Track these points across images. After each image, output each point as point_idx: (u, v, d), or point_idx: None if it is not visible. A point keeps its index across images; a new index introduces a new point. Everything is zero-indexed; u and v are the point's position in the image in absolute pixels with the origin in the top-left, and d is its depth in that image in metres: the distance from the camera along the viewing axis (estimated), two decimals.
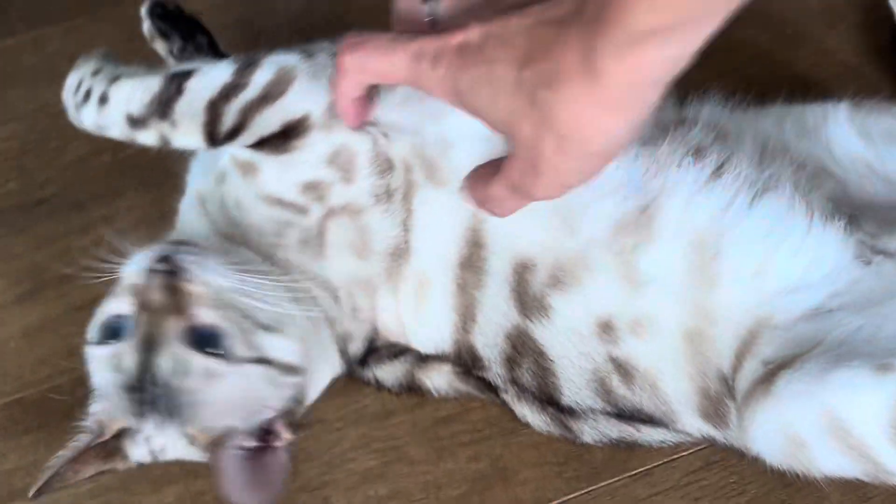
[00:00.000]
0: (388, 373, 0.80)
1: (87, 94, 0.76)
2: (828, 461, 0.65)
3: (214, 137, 0.73)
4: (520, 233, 0.71)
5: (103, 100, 0.75)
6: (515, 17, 0.54)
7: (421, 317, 0.77)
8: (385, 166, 0.74)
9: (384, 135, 0.74)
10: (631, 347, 0.71)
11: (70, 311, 0.90)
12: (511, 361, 0.75)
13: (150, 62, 1.05)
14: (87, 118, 0.76)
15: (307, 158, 0.73)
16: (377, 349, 0.80)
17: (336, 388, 0.84)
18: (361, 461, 0.82)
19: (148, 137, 0.74)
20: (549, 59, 0.51)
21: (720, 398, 0.70)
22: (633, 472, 0.78)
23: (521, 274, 0.73)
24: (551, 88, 0.51)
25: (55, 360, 0.88)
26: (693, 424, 0.73)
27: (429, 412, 0.83)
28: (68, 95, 0.79)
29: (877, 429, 0.62)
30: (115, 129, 0.75)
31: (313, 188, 0.74)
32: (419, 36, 0.59)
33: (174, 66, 0.81)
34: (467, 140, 0.71)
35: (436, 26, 0.62)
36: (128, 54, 1.06)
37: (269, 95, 0.72)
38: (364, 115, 0.70)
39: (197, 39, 0.94)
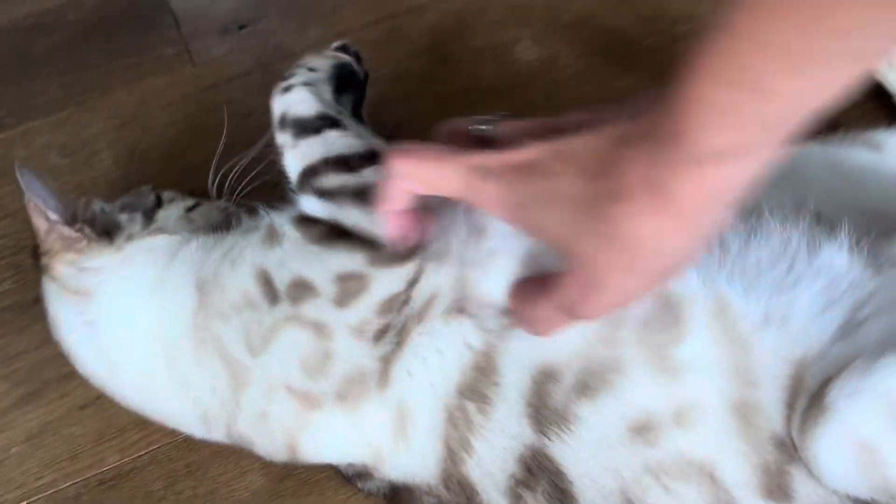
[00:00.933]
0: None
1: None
2: None
3: (302, 182, 0.74)
4: (549, 343, 0.66)
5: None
6: (582, 136, 0.53)
7: (399, 448, 0.70)
8: (393, 306, 0.70)
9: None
10: (678, 442, 0.64)
11: (73, 411, 0.89)
12: (522, 486, 0.67)
13: (146, 148, 1.07)
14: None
15: (326, 261, 0.71)
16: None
17: (341, 478, 0.82)
18: None
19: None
20: (616, 174, 0.50)
21: (781, 468, 0.63)
22: None
23: (543, 385, 0.66)
24: (617, 203, 0.50)
25: (59, 464, 0.87)
26: None
27: None
28: None
29: None
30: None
31: (301, 287, 0.71)
32: (474, 150, 0.58)
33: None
34: (505, 259, 0.68)
35: (485, 144, 0.59)
36: (119, 141, 1.08)
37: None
38: (411, 231, 0.66)
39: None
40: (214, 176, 0.91)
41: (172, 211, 0.85)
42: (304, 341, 0.70)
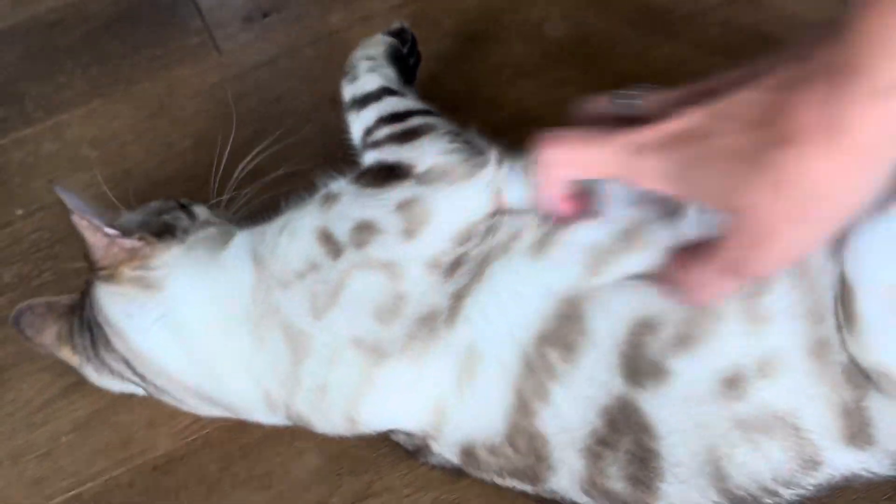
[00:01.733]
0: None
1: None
2: None
3: (364, 143, 0.79)
4: (651, 295, 0.64)
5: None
6: (740, 91, 0.52)
7: (464, 397, 0.69)
8: (471, 235, 0.70)
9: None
10: (763, 394, 0.63)
11: (120, 399, 0.88)
12: (602, 444, 0.65)
13: (175, 138, 1.06)
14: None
15: (383, 198, 0.72)
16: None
17: (398, 453, 0.82)
18: None
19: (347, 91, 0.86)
20: (785, 118, 0.49)
21: (859, 405, 0.62)
22: None
23: (640, 336, 0.65)
24: (789, 146, 0.49)
25: (110, 451, 0.86)
26: (840, 460, 0.63)
27: None
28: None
29: None
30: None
31: (364, 229, 0.70)
32: (621, 129, 0.57)
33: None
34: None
35: (631, 121, 0.58)
36: (149, 131, 1.07)
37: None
38: (582, 207, 0.66)
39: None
40: (216, 174, 0.91)
41: (201, 208, 0.85)
42: (375, 286, 0.69)
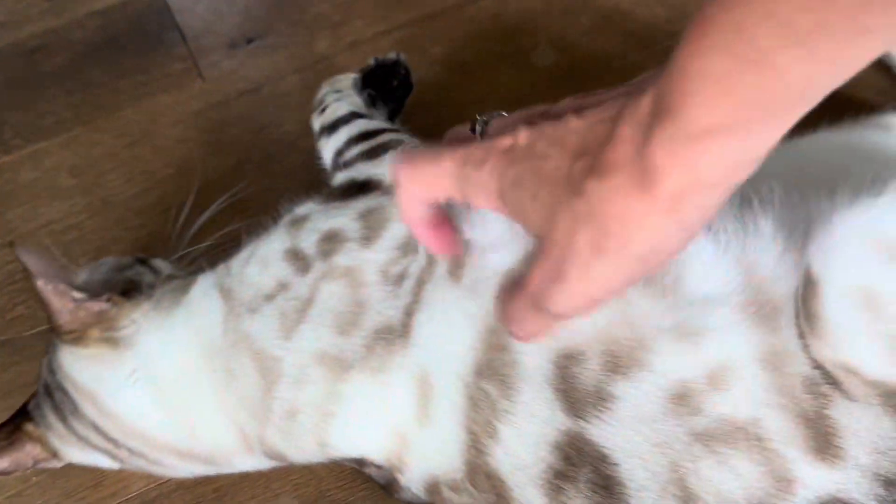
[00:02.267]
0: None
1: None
2: None
3: (334, 165, 0.83)
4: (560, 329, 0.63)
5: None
6: (572, 119, 0.51)
7: (423, 428, 0.67)
8: (411, 248, 0.69)
9: None
10: (719, 408, 0.60)
11: None
12: (561, 478, 0.63)
13: (157, 166, 1.04)
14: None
15: (349, 208, 0.73)
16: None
17: (376, 497, 0.80)
18: None
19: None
20: (604, 151, 0.48)
21: (821, 413, 0.59)
22: None
23: (567, 369, 0.63)
24: (598, 178, 0.48)
25: (81, 493, 0.84)
26: (813, 478, 0.59)
27: None
28: None
29: None
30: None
31: (330, 239, 0.71)
32: (466, 144, 0.56)
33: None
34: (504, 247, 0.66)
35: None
36: (130, 160, 1.06)
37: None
38: (447, 241, 0.64)
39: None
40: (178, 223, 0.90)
41: (163, 262, 0.83)
42: (337, 295, 0.69)
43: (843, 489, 0.59)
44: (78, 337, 0.73)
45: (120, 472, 0.84)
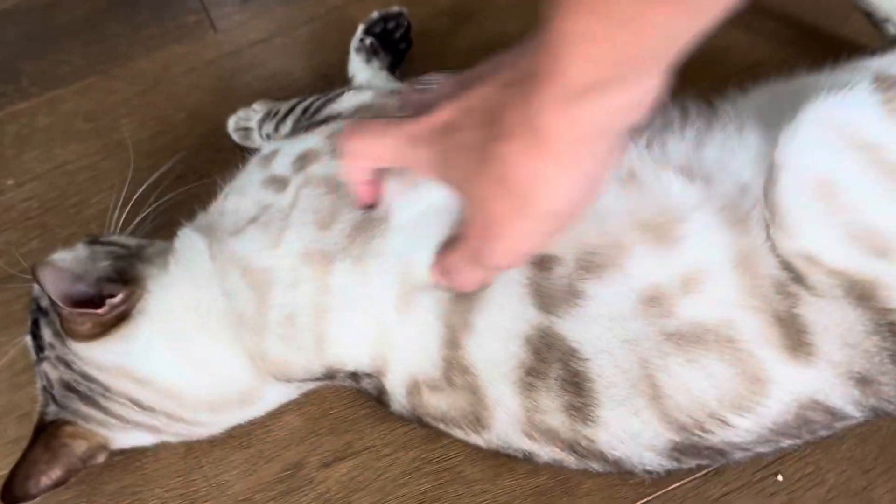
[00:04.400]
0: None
1: None
2: (862, 190, 0.59)
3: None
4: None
5: None
6: (478, 86, 0.55)
7: (404, 324, 0.68)
8: None
9: None
10: (690, 310, 0.62)
11: None
12: (532, 375, 0.65)
13: (169, 111, 1.06)
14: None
15: (318, 132, 0.77)
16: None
17: (378, 415, 0.81)
18: (415, 485, 0.79)
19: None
20: (501, 117, 0.51)
21: (790, 312, 0.60)
22: (704, 472, 0.74)
23: (541, 267, 0.65)
24: (499, 144, 0.52)
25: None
26: (787, 378, 0.61)
27: None
28: None
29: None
30: None
31: (304, 158, 0.74)
32: (406, 120, 0.60)
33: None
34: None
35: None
36: (144, 105, 1.07)
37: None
38: (374, 196, 0.69)
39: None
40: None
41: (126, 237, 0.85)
42: (317, 196, 0.72)
43: (819, 390, 0.61)
44: (99, 333, 0.74)
45: None
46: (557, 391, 0.64)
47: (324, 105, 0.84)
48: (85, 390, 0.76)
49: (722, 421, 0.62)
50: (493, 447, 0.70)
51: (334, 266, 0.69)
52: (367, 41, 1.01)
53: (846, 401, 0.61)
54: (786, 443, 0.64)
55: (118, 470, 0.83)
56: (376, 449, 0.80)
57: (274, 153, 0.77)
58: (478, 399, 0.67)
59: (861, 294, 0.59)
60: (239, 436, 0.82)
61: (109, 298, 0.73)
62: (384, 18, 1.03)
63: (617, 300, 0.63)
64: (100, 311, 0.73)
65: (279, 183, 0.74)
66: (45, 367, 0.77)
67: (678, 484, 0.74)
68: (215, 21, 1.16)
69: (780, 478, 0.74)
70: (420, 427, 0.75)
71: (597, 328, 0.63)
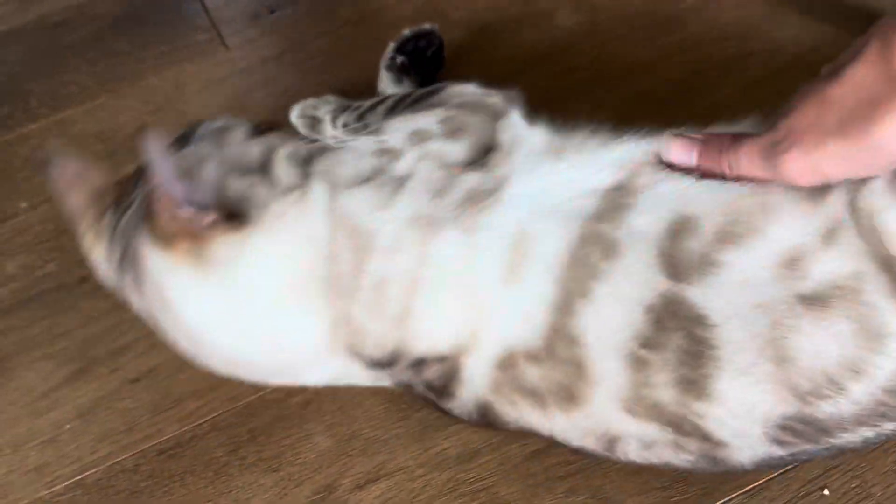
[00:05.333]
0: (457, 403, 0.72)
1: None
2: None
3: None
4: (692, 192, 0.66)
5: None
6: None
7: (511, 286, 0.66)
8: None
9: None
10: (825, 266, 0.61)
11: (125, 384, 0.87)
12: (648, 347, 0.63)
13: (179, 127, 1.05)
14: None
15: (430, 114, 0.77)
16: (423, 363, 0.71)
17: (411, 434, 0.80)
18: None
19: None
20: (861, 47, 0.58)
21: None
22: (748, 488, 0.73)
23: (679, 234, 0.64)
24: (851, 64, 0.58)
25: (115, 437, 0.84)
26: None
27: (516, 448, 0.78)
28: None
29: None
30: None
31: (418, 134, 0.74)
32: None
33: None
34: None
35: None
36: (155, 124, 1.06)
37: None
38: None
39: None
40: None
41: (282, 161, 0.74)
42: (432, 172, 0.71)
43: None
44: (167, 242, 0.69)
45: (153, 415, 0.84)
46: (674, 364, 0.62)
47: (426, 96, 0.82)
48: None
49: (838, 386, 0.61)
50: (563, 432, 0.68)
51: (441, 234, 0.68)
52: (399, 59, 1.00)
53: None
54: (889, 427, 0.62)
55: (145, 496, 0.80)
56: (409, 470, 0.79)
57: (379, 129, 0.76)
58: (579, 372, 0.65)
59: None
60: (268, 458, 0.81)
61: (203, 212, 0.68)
62: (416, 36, 1.02)
63: (755, 267, 0.62)
64: (177, 212, 0.67)
65: (392, 154, 0.73)
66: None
67: (722, 500, 0.73)
68: (226, 38, 1.15)
69: (826, 492, 0.72)
70: (474, 424, 0.73)
71: (730, 294, 0.62)
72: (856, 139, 0.57)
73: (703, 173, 0.66)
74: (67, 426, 0.85)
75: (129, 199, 0.76)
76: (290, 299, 0.71)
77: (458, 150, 0.73)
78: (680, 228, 0.64)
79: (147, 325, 0.76)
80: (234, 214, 0.69)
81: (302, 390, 0.83)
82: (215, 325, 0.72)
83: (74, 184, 0.80)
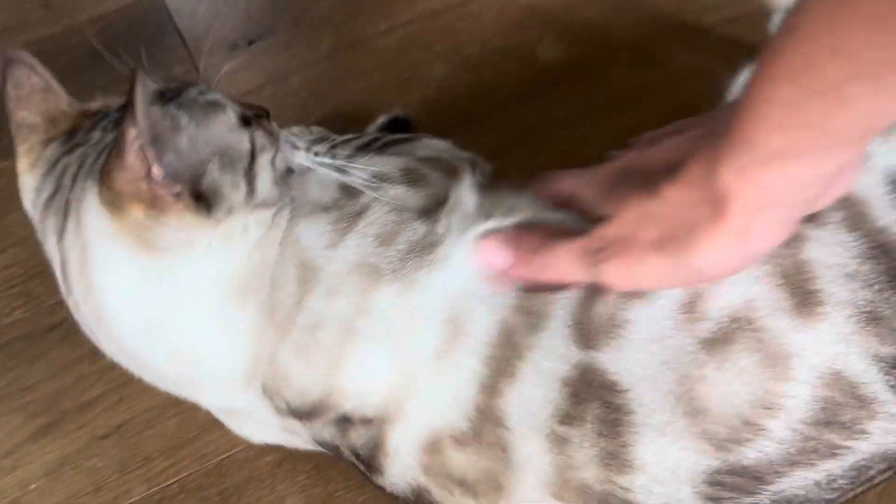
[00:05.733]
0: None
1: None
2: None
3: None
4: None
5: None
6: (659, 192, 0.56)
7: (440, 367, 0.64)
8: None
9: None
10: (719, 300, 0.60)
11: (93, 441, 0.84)
12: (567, 423, 0.61)
13: None
14: None
15: (390, 162, 0.76)
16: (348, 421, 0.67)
17: (388, 497, 0.77)
18: None
19: None
20: (682, 167, 0.54)
21: (795, 260, 0.60)
22: None
23: (588, 299, 0.63)
24: (675, 187, 0.54)
25: (82, 498, 0.82)
26: (801, 343, 0.59)
27: None
28: None
29: None
30: None
31: (378, 177, 0.72)
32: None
33: None
34: None
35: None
36: None
37: None
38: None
39: None
40: None
41: (265, 174, 0.70)
42: (384, 215, 0.69)
43: (839, 354, 0.58)
44: (120, 202, 0.62)
45: (121, 475, 0.81)
46: (593, 438, 0.61)
47: (398, 142, 0.82)
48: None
49: (756, 427, 0.59)
50: None
51: (380, 285, 0.65)
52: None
53: (869, 364, 0.58)
54: (826, 467, 0.60)
55: None
56: None
57: (345, 165, 0.72)
58: (504, 458, 0.63)
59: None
60: None
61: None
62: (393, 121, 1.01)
63: (660, 317, 0.61)
64: (148, 171, 0.60)
65: (352, 191, 0.70)
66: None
67: None
68: (203, 72, 1.12)
69: None
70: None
71: (636, 354, 0.61)
72: (675, 259, 0.55)
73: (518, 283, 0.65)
74: (33, 486, 0.83)
75: (84, 136, 0.72)
76: (222, 313, 0.67)
77: (414, 197, 0.71)
78: (590, 294, 0.63)
79: (117, 376, 0.73)
80: (200, 198, 0.64)
81: (275, 450, 0.81)
82: (130, 310, 0.66)
83: (31, 97, 0.77)
